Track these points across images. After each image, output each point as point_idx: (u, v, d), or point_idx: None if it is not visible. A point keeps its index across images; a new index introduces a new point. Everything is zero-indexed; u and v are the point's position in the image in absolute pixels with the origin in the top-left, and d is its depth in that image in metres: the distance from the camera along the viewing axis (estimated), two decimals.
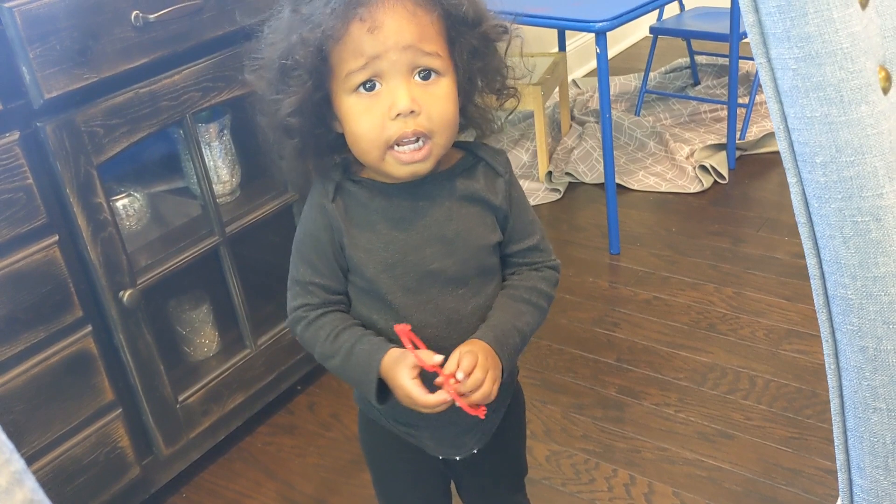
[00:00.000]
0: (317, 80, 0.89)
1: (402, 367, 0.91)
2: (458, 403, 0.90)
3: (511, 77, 0.98)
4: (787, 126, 0.60)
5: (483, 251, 0.98)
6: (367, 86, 0.87)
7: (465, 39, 0.90)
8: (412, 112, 0.86)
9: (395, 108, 0.86)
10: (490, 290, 1.00)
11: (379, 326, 0.99)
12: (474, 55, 0.92)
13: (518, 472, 1.23)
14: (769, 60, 0.59)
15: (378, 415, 1.09)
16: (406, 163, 0.89)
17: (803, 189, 0.62)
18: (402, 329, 0.92)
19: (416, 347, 0.92)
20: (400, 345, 0.94)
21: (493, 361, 0.93)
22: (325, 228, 0.97)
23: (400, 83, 0.86)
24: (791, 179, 0.62)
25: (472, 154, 0.99)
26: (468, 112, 0.97)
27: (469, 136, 1.02)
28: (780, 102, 0.59)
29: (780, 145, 0.61)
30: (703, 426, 1.74)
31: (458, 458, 1.12)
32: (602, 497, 1.61)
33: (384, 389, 0.95)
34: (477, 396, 0.90)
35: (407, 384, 0.90)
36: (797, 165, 0.61)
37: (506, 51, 0.96)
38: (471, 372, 0.90)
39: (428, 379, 0.91)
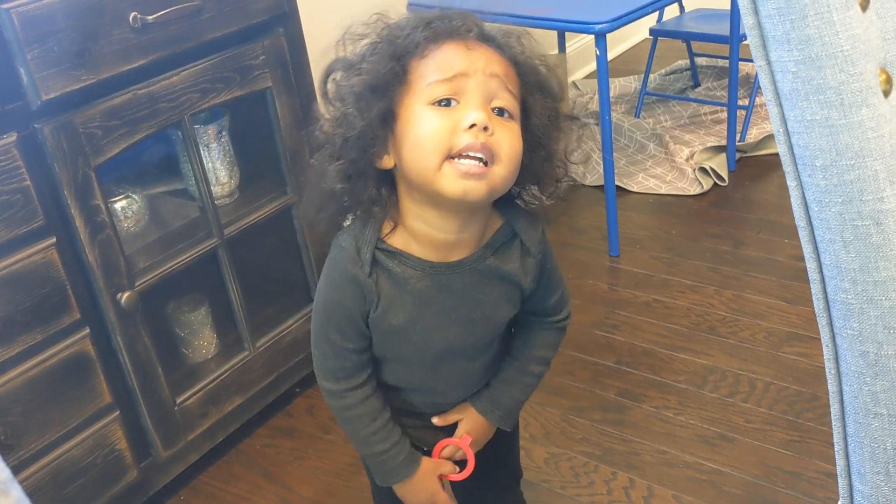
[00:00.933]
0: (388, 91, 0.87)
1: (434, 479, 1.08)
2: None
3: (566, 175, 0.98)
4: (786, 129, 0.60)
5: (502, 326, 1.03)
6: (443, 103, 0.86)
7: (540, 105, 0.91)
8: (486, 129, 0.84)
9: (470, 119, 0.84)
10: (496, 344, 1.06)
11: (386, 380, 1.05)
12: (551, 122, 0.92)
13: (509, 473, 1.24)
14: (769, 63, 0.58)
15: None
16: (463, 175, 0.84)
17: (803, 193, 0.61)
18: (464, 443, 1.09)
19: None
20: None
21: (485, 435, 1.11)
22: (356, 299, 0.95)
23: (479, 105, 0.85)
24: (791, 183, 0.61)
25: (508, 226, 0.97)
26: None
27: None
28: (780, 105, 0.59)
29: (780, 149, 0.61)
30: (703, 429, 1.74)
31: None
32: (601, 500, 1.60)
33: None
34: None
35: (440, 497, 1.09)
36: (797, 169, 0.60)
37: (576, 145, 0.97)
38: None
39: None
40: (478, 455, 1.12)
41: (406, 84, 0.87)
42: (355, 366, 1.00)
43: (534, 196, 0.98)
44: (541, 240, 0.99)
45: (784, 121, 0.59)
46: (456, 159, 0.84)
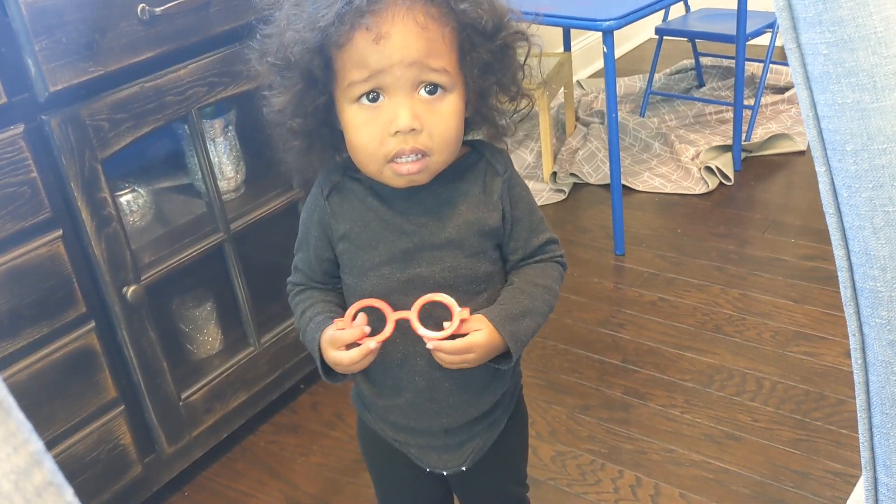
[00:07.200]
0: (320, 83, 0.87)
1: (326, 335, 0.94)
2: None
3: (527, 82, 0.95)
4: (816, 113, 0.59)
5: (474, 260, 0.95)
6: (371, 97, 0.85)
7: (477, 53, 0.87)
8: (413, 130, 0.85)
9: (395, 125, 0.84)
10: (483, 298, 0.96)
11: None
12: (486, 70, 0.89)
13: (514, 493, 1.18)
14: (799, 46, 0.57)
15: (371, 420, 1.08)
16: (403, 175, 0.88)
17: (832, 178, 0.60)
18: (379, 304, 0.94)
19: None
20: None
21: (489, 345, 0.92)
22: (315, 224, 0.99)
23: (403, 100, 0.84)
24: (819, 168, 0.60)
25: (475, 151, 0.96)
26: (477, 115, 0.95)
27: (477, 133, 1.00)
28: (810, 89, 0.58)
29: (809, 133, 0.60)
30: (710, 428, 1.73)
31: (445, 474, 1.09)
32: (608, 498, 1.59)
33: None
34: (450, 359, 0.91)
35: (327, 348, 0.93)
36: (826, 154, 0.59)
37: (525, 59, 0.94)
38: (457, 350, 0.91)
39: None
40: (478, 473, 1.08)
41: (333, 73, 0.87)
42: (303, 283, 1.03)
43: (497, 109, 0.95)
44: (507, 160, 0.97)
45: (813, 105, 0.58)
46: (394, 161, 0.87)
